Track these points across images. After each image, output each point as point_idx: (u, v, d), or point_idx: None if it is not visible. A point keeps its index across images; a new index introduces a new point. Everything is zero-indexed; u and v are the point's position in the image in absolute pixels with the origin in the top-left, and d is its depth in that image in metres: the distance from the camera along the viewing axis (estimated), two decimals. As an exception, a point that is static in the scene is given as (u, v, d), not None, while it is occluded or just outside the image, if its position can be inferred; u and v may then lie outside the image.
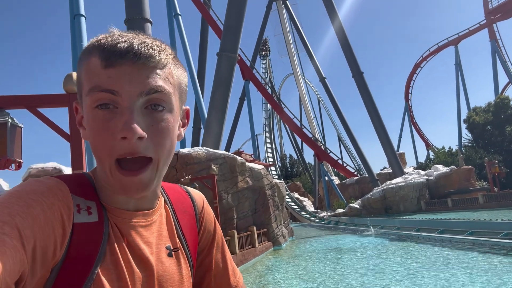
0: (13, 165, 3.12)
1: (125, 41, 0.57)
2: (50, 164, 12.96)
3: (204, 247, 0.76)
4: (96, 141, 0.58)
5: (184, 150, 14.69)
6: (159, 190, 0.69)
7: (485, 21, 40.87)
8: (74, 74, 3.30)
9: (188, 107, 0.72)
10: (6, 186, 13.70)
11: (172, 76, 0.62)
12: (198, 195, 0.79)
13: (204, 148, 15.15)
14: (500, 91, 42.89)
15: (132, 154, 0.57)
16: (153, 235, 0.65)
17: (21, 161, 3.23)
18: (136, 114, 0.57)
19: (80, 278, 0.54)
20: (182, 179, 12.57)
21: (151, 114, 0.59)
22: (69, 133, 3.40)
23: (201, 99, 21.97)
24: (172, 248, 0.66)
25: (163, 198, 0.71)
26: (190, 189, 0.80)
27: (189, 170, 14.09)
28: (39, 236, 0.50)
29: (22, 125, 3.08)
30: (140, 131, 0.56)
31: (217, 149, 17.24)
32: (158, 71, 0.59)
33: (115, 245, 0.59)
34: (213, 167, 13.46)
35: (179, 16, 24.42)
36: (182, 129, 0.69)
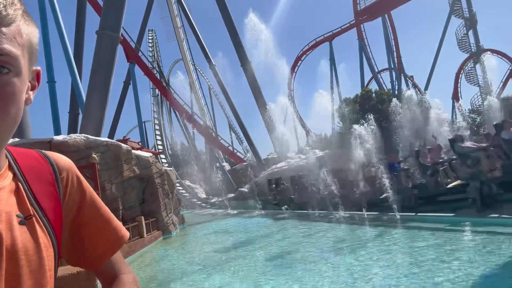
0: None
1: None
2: None
3: (71, 211, 0.72)
4: None
5: (59, 138, 13.21)
6: (2, 158, 0.63)
7: (354, 21, 46.23)
8: None
9: (39, 68, 0.66)
10: None
11: (20, 35, 0.56)
12: (61, 159, 0.74)
13: (83, 135, 13.86)
14: (365, 84, 49.30)
15: None
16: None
17: None
18: None
19: None
20: (56, 170, 11.32)
21: None
22: None
23: (79, 82, 19.90)
24: (24, 216, 0.61)
25: (8, 165, 0.65)
26: (52, 153, 0.74)
27: (65, 160, 12.74)
28: None
29: None
30: None
31: (99, 136, 15.95)
32: (3, 29, 0.53)
33: None
34: (93, 155, 12.47)
35: (50, -13, 21.47)
36: (31, 92, 0.63)
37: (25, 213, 0.62)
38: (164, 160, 41.88)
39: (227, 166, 43.98)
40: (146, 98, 50.97)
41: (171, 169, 21.85)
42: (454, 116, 43.93)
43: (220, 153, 45.03)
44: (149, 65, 38.57)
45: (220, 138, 42.57)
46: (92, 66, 17.01)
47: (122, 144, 15.49)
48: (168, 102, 46.97)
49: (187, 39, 45.70)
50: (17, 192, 0.63)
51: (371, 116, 22.28)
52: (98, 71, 16.37)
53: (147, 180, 16.48)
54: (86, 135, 13.69)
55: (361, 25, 45.93)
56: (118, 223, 0.79)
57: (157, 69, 42.45)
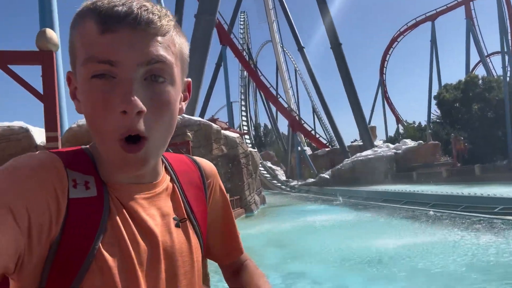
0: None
1: (123, 4, 0.53)
2: (17, 123, 12.39)
3: (212, 215, 0.76)
4: (94, 115, 0.54)
5: (159, 115, 14.42)
6: (160, 163, 0.67)
7: (463, -2, 41.36)
8: (48, 31, 3.09)
9: (189, 79, 0.68)
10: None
11: (173, 44, 0.58)
12: (207, 165, 0.78)
13: (179, 113, 14.93)
14: (470, 69, 44.21)
15: (131, 132, 0.54)
16: (158, 207, 0.63)
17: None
18: (135, 85, 0.53)
19: (81, 254, 0.53)
20: (156, 144, 12.40)
21: (151, 86, 0.55)
22: (42, 93, 3.23)
23: (177, 63, 21.25)
24: (179, 219, 0.65)
25: (166, 170, 0.70)
26: (199, 159, 0.78)
27: (163, 136, 13.89)
28: (33, 213, 0.49)
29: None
30: (140, 104, 0.53)
31: (192, 115, 17.01)
32: (159, 38, 0.55)
33: (117, 219, 0.57)
34: (188, 133, 13.35)
35: (155, -27, 23.05)
36: (183, 103, 0.65)
37: (180, 216, 0.65)
38: (248, 141, 43.19)
39: (308, 151, 43.68)
40: (235, 79, 52.60)
41: (255, 150, 22.44)
42: None
43: (302, 137, 44.82)
44: (240, 47, 39.58)
45: (303, 122, 42.27)
46: (189, 49, 17.98)
47: (213, 124, 16.32)
48: (254, 84, 47.92)
49: (277, 21, 45.70)
50: (173, 195, 0.67)
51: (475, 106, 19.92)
52: (195, 54, 17.33)
53: (233, 160, 17.20)
54: (182, 114, 14.68)
55: (471, 2, 40.88)
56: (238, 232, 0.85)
57: (246, 51, 43.41)
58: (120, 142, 0.54)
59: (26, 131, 12.00)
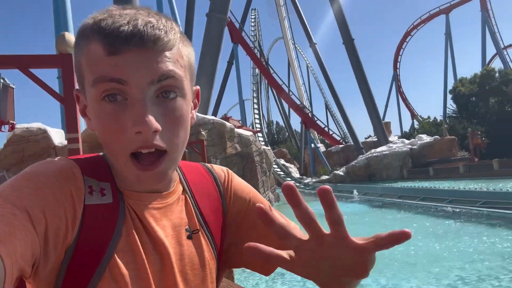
0: (6, 126, 3.05)
1: (128, 22, 0.51)
2: (35, 125, 12.65)
3: (235, 220, 0.71)
4: (106, 135, 0.54)
5: (173, 114, 14.54)
6: (174, 174, 0.66)
7: (478, -10, 40.46)
8: (67, 35, 3.15)
9: (198, 87, 0.67)
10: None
11: (181, 56, 0.58)
12: (221, 172, 0.75)
13: (193, 112, 15.01)
14: (487, 62, 43.25)
15: (148, 148, 0.54)
16: (169, 218, 0.62)
17: (14, 122, 3.15)
18: (148, 105, 0.53)
19: (95, 260, 0.53)
20: (171, 144, 12.50)
21: (163, 103, 0.55)
22: (62, 95, 3.30)
23: (189, 62, 21.41)
24: (191, 230, 0.64)
25: (180, 180, 0.68)
26: (214, 167, 0.75)
27: (177, 135, 14.02)
28: (50, 218, 0.50)
29: (14, 86, 2.99)
30: (155, 124, 0.53)
31: (206, 114, 17.10)
32: (167, 53, 0.54)
33: (132, 226, 0.57)
34: (202, 132, 13.41)
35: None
36: (194, 111, 0.65)
37: (192, 227, 0.64)
38: (261, 139, 43.17)
39: (322, 148, 43.42)
40: (246, 77, 52.65)
41: (269, 148, 22.43)
42: None
43: (316, 134, 44.60)
44: (251, 45, 39.54)
45: (316, 119, 42.02)
46: (201, 48, 18.10)
47: (226, 123, 16.37)
48: (266, 81, 47.85)
49: (288, 17, 45.50)
50: (186, 206, 0.66)
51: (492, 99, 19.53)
52: (207, 53, 17.38)
53: (247, 158, 17.23)
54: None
55: (487, -6, 40.00)
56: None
57: (258, 48, 43.33)
58: (132, 159, 0.55)
59: (44, 132, 12.25)
